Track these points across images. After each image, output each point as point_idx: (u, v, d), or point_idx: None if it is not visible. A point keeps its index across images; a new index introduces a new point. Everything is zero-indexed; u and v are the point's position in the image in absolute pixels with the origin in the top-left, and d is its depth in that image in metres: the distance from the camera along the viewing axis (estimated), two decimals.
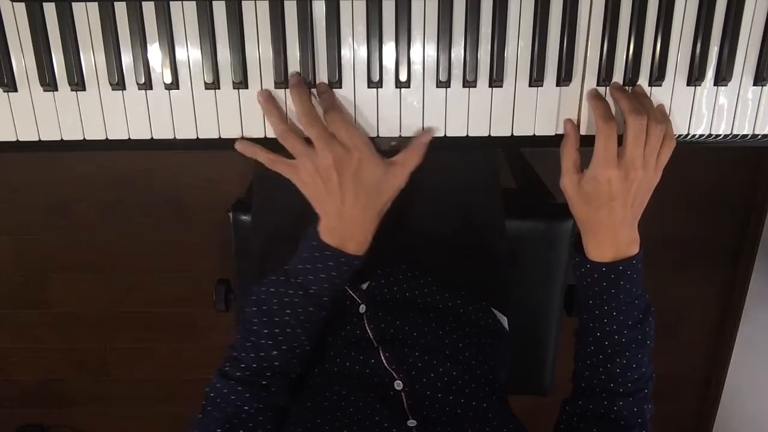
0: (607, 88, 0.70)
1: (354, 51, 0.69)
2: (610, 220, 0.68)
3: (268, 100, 0.68)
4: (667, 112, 0.71)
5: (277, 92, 0.70)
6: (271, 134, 0.71)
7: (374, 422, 0.67)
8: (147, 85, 0.69)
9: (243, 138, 0.71)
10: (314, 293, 0.70)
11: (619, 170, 0.65)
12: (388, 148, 0.72)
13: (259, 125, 0.71)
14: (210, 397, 0.69)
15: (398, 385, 0.72)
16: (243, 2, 0.67)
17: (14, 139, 0.72)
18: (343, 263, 0.69)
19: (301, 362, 0.72)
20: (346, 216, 0.67)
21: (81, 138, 0.71)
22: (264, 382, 0.69)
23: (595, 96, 0.70)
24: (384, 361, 0.73)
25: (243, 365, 0.70)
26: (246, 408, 0.67)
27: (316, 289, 0.70)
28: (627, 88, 0.70)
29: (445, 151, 0.88)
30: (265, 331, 0.70)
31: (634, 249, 0.70)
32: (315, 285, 0.70)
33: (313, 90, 0.69)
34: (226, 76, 0.69)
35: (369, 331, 0.78)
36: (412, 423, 0.67)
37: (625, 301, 0.71)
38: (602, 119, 0.66)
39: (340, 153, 0.65)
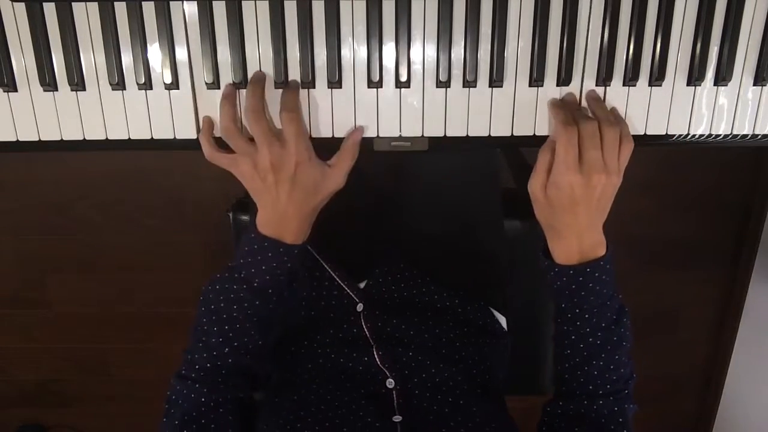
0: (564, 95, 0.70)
1: (354, 51, 0.69)
2: (574, 224, 0.68)
3: (229, 95, 0.69)
4: (622, 115, 0.71)
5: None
6: None
7: (358, 417, 0.67)
8: (147, 85, 0.69)
9: (208, 117, 0.71)
10: (258, 286, 0.70)
11: (581, 176, 0.65)
12: (388, 149, 0.72)
13: None
14: (171, 399, 0.70)
15: (390, 383, 0.72)
16: (243, 2, 0.67)
17: (14, 139, 0.72)
18: (282, 253, 0.70)
19: (256, 358, 0.72)
20: (281, 210, 0.68)
21: (81, 138, 0.71)
22: (219, 379, 0.70)
23: (555, 103, 0.70)
24: (377, 359, 0.74)
25: (197, 366, 0.70)
26: (203, 400, 0.68)
27: (259, 282, 0.70)
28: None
29: (445, 151, 0.89)
30: (215, 329, 0.70)
31: (600, 251, 0.70)
32: (258, 278, 0.70)
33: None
34: (226, 76, 0.69)
35: (365, 329, 0.78)
36: (397, 419, 0.68)
37: (596, 303, 0.71)
38: (562, 125, 0.65)
39: (278, 155, 0.66)
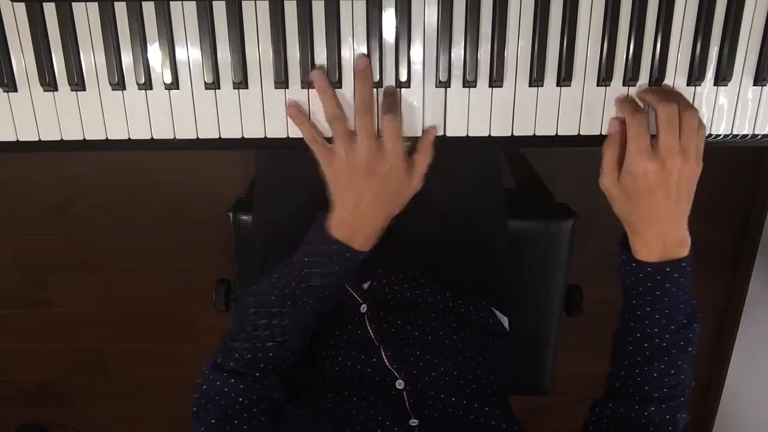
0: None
1: (354, 51, 0.69)
2: (652, 215, 0.66)
3: (325, 82, 0.68)
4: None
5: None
6: (271, 134, 0.71)
7: (377, 422, 0.67)
8: (147, 85, 0.69)
9: (296, 106, 0.70)
10: (316, 286, 0.70)
11: (654, 161, 0.63)
12: None
13: (258, 125, 0.71)
14: (203, 389, 0.69)
15: (400, 384, 0.71)
16: (243, 2, 0.67)
17: (14, 139, 0.72)
18: (348, 258, 0.69)
19: (295, 355, 0.72)
20: (361, 212, 0.67)
21: (81, 138, 0.71)
22: (257, 374, 0.69)
23: (620, 98, 0.69)
24: (385, 360, 0.73)
25: (237, 355, 0.69)
26: (240, 399, 0.67)
27: (318, 283, 0.70)
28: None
29: (445, 151, 0.89)
30: (263, 321, 0.70)
31: (684, 251, 0.68)
32: (318, 278, 0.69)
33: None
34: (226, 76, 0.69)
35: (370, 330, 0.78)
36: (414, 422, 0.67)
37: (669, 304, 0.69)
38: (630, 113, 0.65)
39: (377, 154, 0.65)
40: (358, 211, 0.67)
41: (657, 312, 0.69)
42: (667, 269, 0.67)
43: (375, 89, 0.69)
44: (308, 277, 0.70)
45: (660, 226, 0.66)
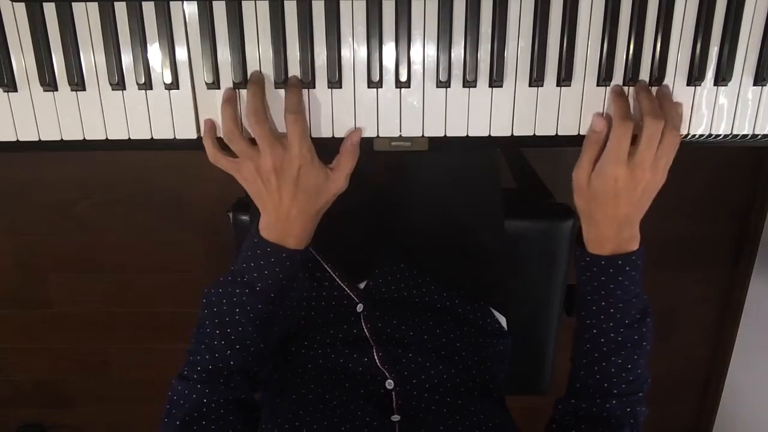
0: (631, 88, 0.70)
1: (354, 51, 0.69)
2: (614, 215, 0.68)
3: (229, 98, 0.68)
4: (686, 114, 0.71)
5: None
6: None
7: (356, 416, 0.68)
8: (147, 85, 0.69)
9: (212, 121, 0.71)
10: (260, 290, 0.70)
11: (627, 169, 0.65)
12: (388, 149, 0.72)
13: None
14: (173, 400, 0.70)
15: (389, 384, 0.72)
16: (243, 2, 0.67)
17: (14, 139, 0.72)
18: (285, 258, 0.70)
19: (257, 359, 0.73)
20: (284, 215, 0.68)
21: (81, 138, 0.71)
22: (221, 380, 0.70)
23: (618, 93, 0.69)
24: (377, 359, 0.74)
25: (199, 367, 0.71)
26: (205, 401, 0.68)
27: (261, 286, 0.70)
28: (652, 88, 0.70)
29: (445, 151, 0.89)
30: (217, 332, 0.70)
31: (634, 245, 0.71)
32: (260, 282, 0.70)
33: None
34: (226, 76, 0.69)
35: (365, 330, 0.78)
36: (395, 418, 0.68)
37: (622, 298, 0.71)
38: (620, 118, 0.66)
39: (281, 157, 0.65)
40: (280, 215, 0.68)
41: (611, 306, 0.72)
42: (620, 262, 0.70)
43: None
44: (252, 283, 0.70)
45: (618, 222, 0.69)
